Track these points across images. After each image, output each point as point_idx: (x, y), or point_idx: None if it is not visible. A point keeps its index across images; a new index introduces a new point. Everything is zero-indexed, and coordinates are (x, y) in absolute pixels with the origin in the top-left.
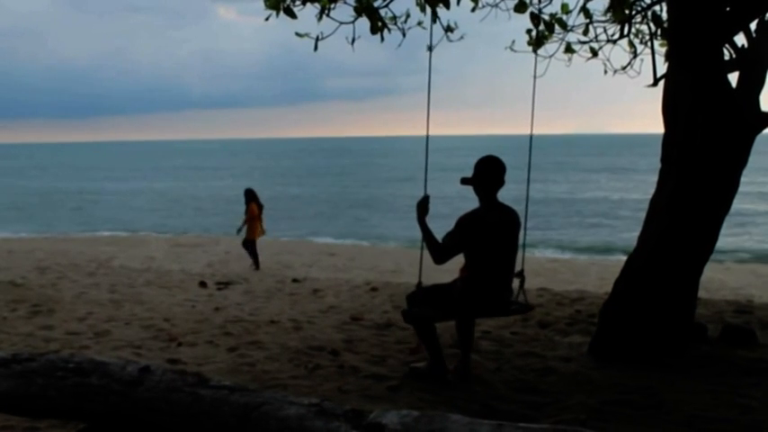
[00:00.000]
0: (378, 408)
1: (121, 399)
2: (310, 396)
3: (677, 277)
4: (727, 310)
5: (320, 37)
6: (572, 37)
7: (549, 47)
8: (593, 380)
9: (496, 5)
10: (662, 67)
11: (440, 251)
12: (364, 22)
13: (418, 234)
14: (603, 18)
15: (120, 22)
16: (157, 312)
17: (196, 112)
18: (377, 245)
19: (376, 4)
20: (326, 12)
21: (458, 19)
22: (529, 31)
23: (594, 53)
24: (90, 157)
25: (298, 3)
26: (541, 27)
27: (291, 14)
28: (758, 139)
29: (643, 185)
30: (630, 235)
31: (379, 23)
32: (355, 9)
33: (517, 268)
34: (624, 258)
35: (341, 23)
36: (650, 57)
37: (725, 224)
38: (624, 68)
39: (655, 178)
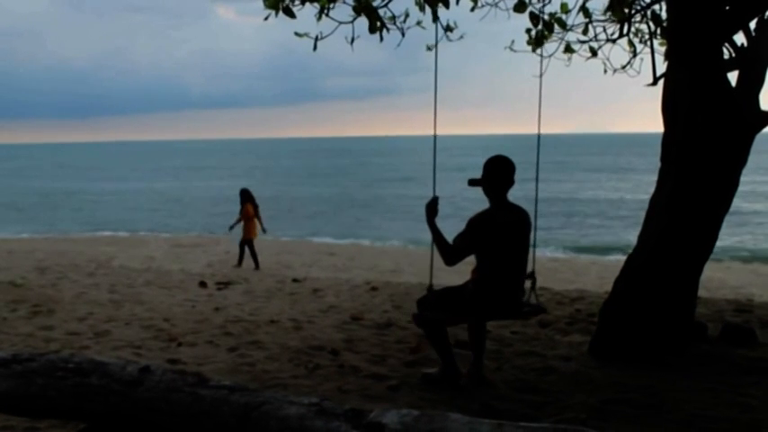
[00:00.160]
0: (378, 407)
1: (121, 399)
2: (310, 396)
3: (677, 276)
4: (727, 309)
5: (319, 37)
6: (571, 36)
7: (549, 46)
8: (593, 379)
9: (496, 5)
10: (661, 66)
11: (451, 253)
12: (363, 22)
13: (418, 234)
14: (603, 17)
15: (120, 22)
16: (157, 312)
17: (196, 112)
18: (377, 245)
19: (375, 4)
20: (326, 11)
21: (457, 18)
22: (528, 31)
23: (594, 53)
24: (90, 157)
25: (297, 2)
26: (540, 26)
27: (290, 14)
28: (758, 137)
29: (643, 185)
30: (630, 234)
31: (378, 23)
32: (354, 8)
33: (528, 269)
34: (624, 258)
35: (340, 23)
36: (650, 56)
37: (725, 223)
38: (624, 68)
39: (655, 177)
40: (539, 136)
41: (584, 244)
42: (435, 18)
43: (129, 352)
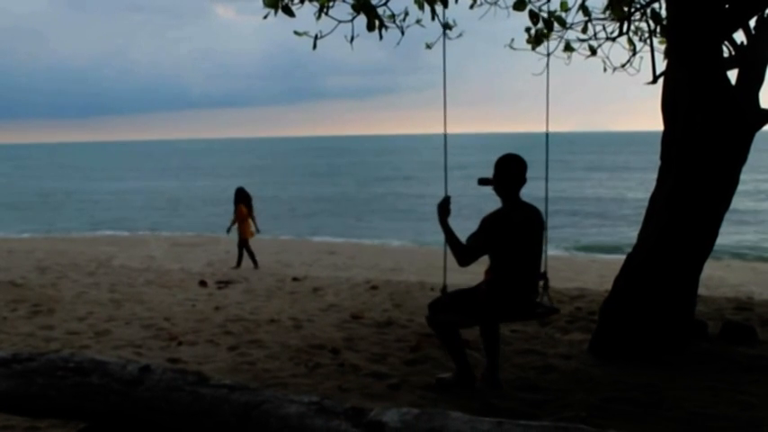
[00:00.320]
0: (378, 406)
1: (122, 398)
2: (310, 394)
3: (677, 274)
4: (727, 307)
5: (319, 35)
6: (571, 35)
7: (549, 44)
8: (593, 377)
9: (495, 3)
10: (661, 65)
11: (464, 253)
12: (363, 21)
13: (419, 233)
14: (602, 16)
15: (120, 21)
16: (158, 312)
17: (196, 112)
18: (377, 243)
19: (374, 2)
20: (325, 10)
21: (456, 17)
22: (528, 29)
23: (593, 51)
24: (90, 157)
25: (296, 1)
26: (540, 25)
27: (290, 13)
28: (758, 136)
29: (643, 183)
30: (630, 233)
31: (377, 21)
32: (353, 7)
33: (540, 269)
34: (624, 256)
35: (339, 22)
36: (649, 54)
37: (725, 221)
38: (623, 66)
39: (654, 176)
40: (547, 134)
41: (584, 242)
42: (434, 16)
43: (130, 351)
